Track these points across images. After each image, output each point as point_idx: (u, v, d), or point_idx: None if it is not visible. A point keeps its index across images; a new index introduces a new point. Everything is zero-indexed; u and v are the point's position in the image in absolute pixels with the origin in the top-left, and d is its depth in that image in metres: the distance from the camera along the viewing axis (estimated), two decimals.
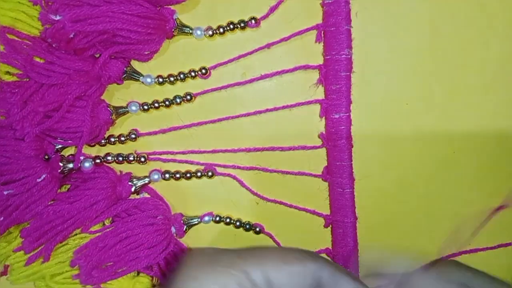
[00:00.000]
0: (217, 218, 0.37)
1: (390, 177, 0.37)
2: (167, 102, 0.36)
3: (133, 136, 0.37)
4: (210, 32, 0.35)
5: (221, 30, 0.35)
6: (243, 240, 0.38)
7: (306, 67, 0.36)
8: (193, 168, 0.38)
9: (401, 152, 0.37)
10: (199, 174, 0.37)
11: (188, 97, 0.36)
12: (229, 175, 0.38)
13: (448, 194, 0.38)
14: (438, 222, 0.38)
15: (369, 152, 0.37)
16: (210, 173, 0.37)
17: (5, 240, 0.35)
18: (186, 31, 0.35)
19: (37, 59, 0.32)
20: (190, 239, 0.38)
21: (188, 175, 0.37)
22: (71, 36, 0.29)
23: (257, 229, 0.38)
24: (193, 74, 0.36)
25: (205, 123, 0.37)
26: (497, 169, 0.38)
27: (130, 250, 0.36)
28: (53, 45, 0.31)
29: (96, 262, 0.35)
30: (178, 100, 0.36)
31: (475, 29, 0.36)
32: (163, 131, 0.37)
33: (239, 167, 0.37)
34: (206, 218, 0.38)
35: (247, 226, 0.38)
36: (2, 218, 0.34)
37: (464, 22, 0.36)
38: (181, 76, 0.36)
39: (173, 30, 0.34)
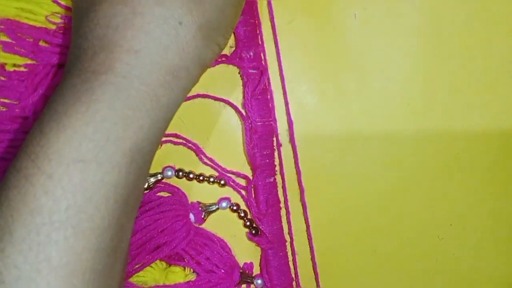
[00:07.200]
0: (235, 207, 0.36)
1: (391, 179, 0.36)
2: None
3: None
4: None
5: None
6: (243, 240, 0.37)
7: None
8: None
9: (403, 154, 0.37)
10: (212, 179, 0.36)
11: None
12: (239, 191, 0.36)
13: (452, 196, 0.37)
14: (441, 224, 0.38)
15: (370, 153, 0.36)
16: (222, 182, 0.36)
17: None
18: None
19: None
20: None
21: (201, 178, 0.36)
22: None
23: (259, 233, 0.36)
24: None
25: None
26: (501, 169, 0.37)
27: (151, 239, 0.35)
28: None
29: None
30: None
31: (477, 28, 0.36)
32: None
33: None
34: (224, 204, 0.36)
35: (254, 232, 0.36)
36: None
37: (466, 21, 0.36)
38: None
39: None
